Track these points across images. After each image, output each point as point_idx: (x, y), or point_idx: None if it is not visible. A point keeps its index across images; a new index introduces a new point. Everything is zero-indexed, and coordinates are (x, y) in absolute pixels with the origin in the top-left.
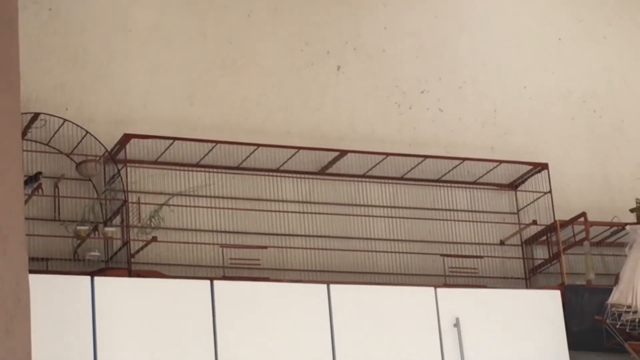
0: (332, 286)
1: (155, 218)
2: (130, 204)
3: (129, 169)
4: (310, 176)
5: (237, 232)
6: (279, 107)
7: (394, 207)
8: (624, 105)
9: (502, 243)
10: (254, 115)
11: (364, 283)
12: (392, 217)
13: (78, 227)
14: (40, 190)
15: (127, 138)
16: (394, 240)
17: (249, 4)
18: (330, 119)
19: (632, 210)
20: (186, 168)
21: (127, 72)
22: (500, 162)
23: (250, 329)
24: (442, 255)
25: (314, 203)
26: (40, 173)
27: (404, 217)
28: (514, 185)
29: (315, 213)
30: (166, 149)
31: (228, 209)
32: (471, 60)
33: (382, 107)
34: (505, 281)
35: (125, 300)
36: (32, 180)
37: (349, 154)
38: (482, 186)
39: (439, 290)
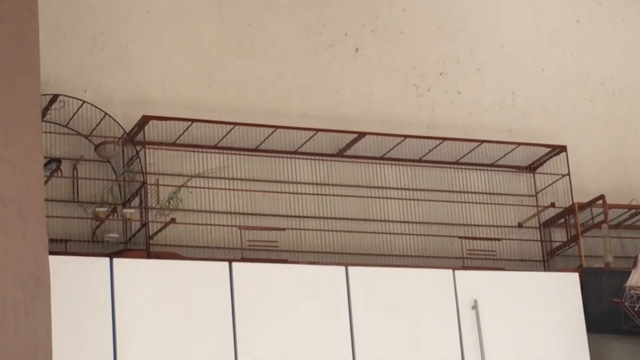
0: (350, 268)
1: (174, 200)
2: (148, 186)
3: (147, 150)
4: (328, 158)
5: (255, 214)
6: (297, 89)
7: (412, 189)
8: None
9: (520, 225)
10: (271, 97)
11: (382, 265)
12: (409, 199)
13: (97, 209)
14: (59, 171)
15: (145, 120)
16: (411, 222)
17: None
18: (348, 101)
19: None
20: (204, 150)
21: (145, 54)
22: (519, 144)
23: (268, 310)
24: (460, 237)
25: (332, 185)
26: (58, 160)
27: (421, 200)
28: (532, 168)
29: (333, 195)
30: (184, 131)
31: (246, 190)
32: (489, 42)
33: (400, 89)
34: (523, 264)
35: (144, 281)
36: (51, 162)
37: (366, 136)
38: (500, 168)
39: (457, 272)
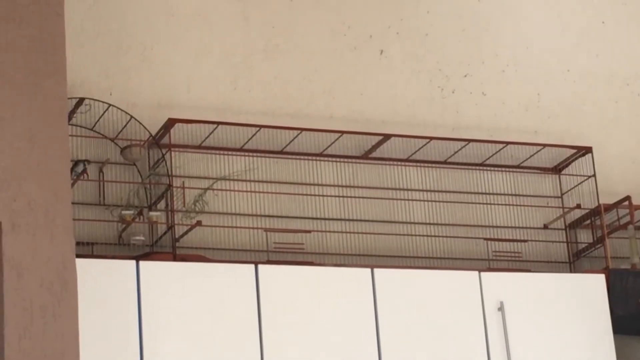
0: (376, 270)
1: (200, 202)
2: (174, 189)
3: (173, 153)
4: (353, 160)
5: (281, 217)
6: (322, 91)
7: (437, 191)
8: None
9: (545, 227)
10: (296, 100)
11: (408, 267)
12: (435, 201)
13: (123, 212)
14: (85, 175)
15: (171, 122)
16: (437, 224)
17: None
18: (373, 103)
19: None
20: (230, 152)
21: (170, 57)
22: (544, 145)
23: (294, 312)
24: (485, 239)
25: (357, 187)
26: (87, 161)
27: (447, 201)
28: (557, 169)
29: (358, 197)
30: (210, 134)
31: (271, 193)
32: (514, 43)
33: (425, 91)
34: (549, 265)
35: (170, 284)
36: (77, 166)
37: (392, 138)
38: (525, 170)
39: (483, 274)
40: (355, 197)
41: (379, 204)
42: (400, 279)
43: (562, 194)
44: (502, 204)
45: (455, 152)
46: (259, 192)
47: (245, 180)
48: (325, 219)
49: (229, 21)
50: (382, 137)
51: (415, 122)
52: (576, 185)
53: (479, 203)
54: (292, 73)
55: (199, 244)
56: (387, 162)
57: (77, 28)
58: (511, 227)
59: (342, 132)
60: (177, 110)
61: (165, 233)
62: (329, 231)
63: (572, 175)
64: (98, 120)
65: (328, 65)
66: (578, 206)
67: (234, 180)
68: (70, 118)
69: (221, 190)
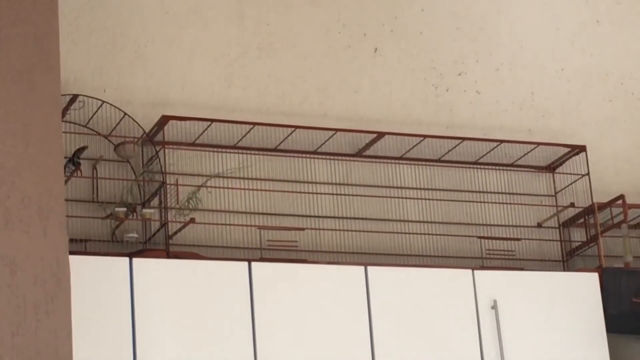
0: (369, 268)
1: (193, 200)
2: (168, 186)
3: (166, 150)
4: (347, 158)
5: (274, 214)
6: (316, 89)
7: (431, 189)
8: None
9: (539, 225)
10: (291, 98)
11: (401, 265)
12: (429, 199)
13: (116, 209)
14: (78, 171)
15: (165, 120)
16: (431, 222)
17: None
18: (367, 101)
19: None
20: (224, 150)
21: (165, 54)
22: (538, 144)
23: (287, 309)
24: (479, 237)
25: (351, 185)
26: (77, 159)
27: (441, 200)
28: (551, 168)
29: (352, 195)
30: (204, 131)
31: (265, 190)
32: (508, 42)
33: (419, 89)
34: (542, 264)
35: (163, 281)
36: (70, 161)
37: (386, 136)
38: (519, 168)
39: (476, 272)
40: (349, 195)
41: (373, 202)
42: (393, 277)
43: (555, 193)
44: (495, 202)
45: (449, 151)
46: (253, 189)
47: (239, 178)
48: (318, 216)
49: (224, 19)
50: (376, 135)
51: (409, 121)
52: (570, 184)
53: (473, 201)
54: (287, 71)
55: (192, 242)
56: (381, 160)
57: (72, 25)
58: (505, 226)
59: (336, 130)
60: (171, 107)
61: (158, 230)
62: (323, 229)
63: (566, 173)
64: (92, 117)
65: (322, 63)
66: (572, 205)
67: (227, 177)
68: (64, 115)
69: (215, 187)
